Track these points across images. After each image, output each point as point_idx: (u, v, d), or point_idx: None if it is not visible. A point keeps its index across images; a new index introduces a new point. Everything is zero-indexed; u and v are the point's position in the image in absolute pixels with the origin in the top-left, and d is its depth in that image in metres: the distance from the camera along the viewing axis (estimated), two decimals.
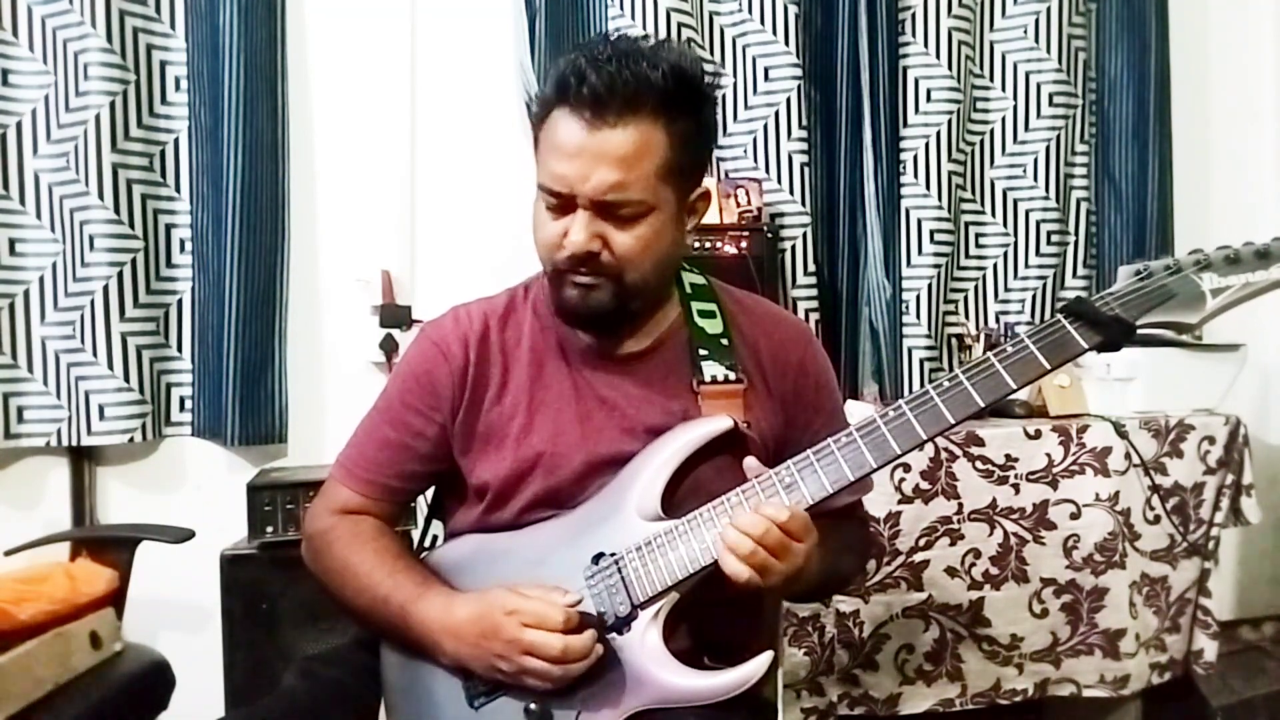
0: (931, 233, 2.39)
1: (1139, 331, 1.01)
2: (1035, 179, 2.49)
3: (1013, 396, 1.06)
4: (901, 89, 2.39)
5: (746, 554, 0.99)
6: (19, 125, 2.08)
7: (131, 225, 2.12)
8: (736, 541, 1.00)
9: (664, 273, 1.17)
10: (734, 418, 1.13)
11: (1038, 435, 1.99)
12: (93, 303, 2.09)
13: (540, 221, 1.12)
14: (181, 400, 2.22)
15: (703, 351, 1.18)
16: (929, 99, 2.38)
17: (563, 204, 1.08)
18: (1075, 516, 1.99)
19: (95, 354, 2.10)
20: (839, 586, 1.30)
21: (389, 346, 2.26)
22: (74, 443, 2.10)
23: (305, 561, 1.24)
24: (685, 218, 1.16)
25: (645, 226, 1.09)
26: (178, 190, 2.20)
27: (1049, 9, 2.44)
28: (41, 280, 2.10)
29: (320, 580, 1.21)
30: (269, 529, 1.89)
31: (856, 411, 1.36)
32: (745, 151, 2.34)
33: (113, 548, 1.81)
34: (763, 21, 2.32)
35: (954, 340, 2.47)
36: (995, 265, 2.52)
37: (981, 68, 2.49)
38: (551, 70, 1.10)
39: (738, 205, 2.21)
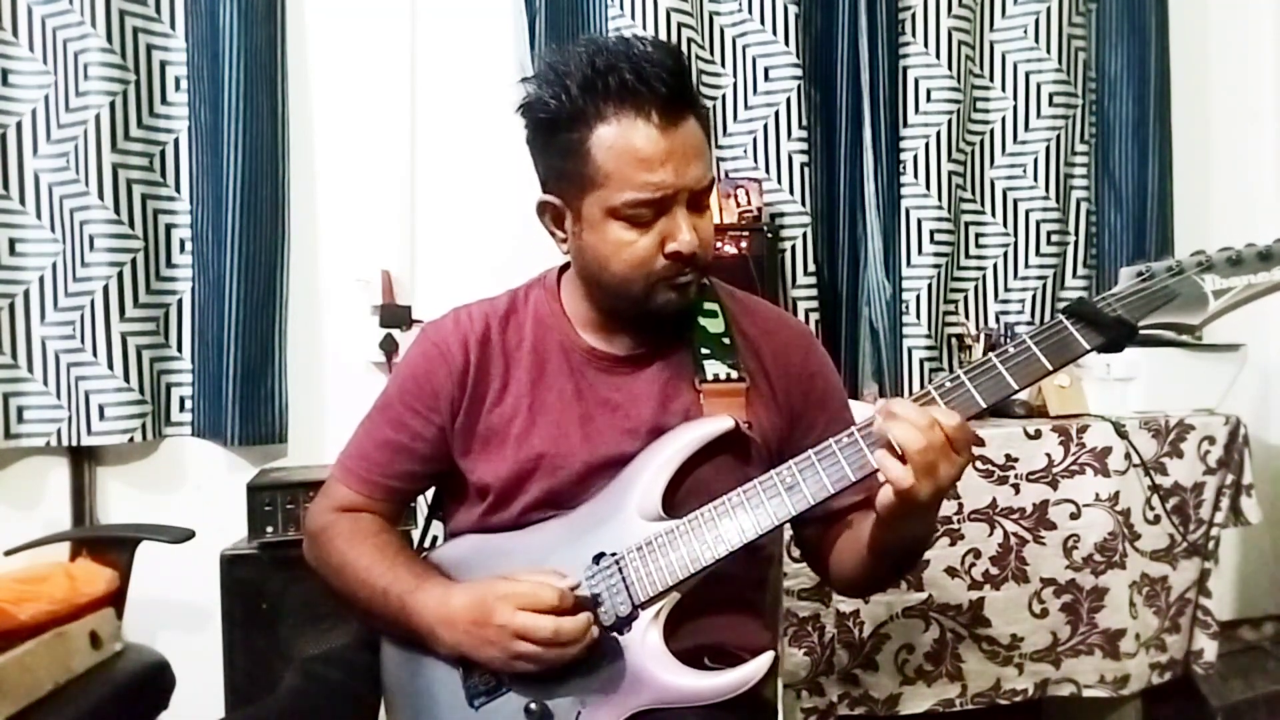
0: (931, 233, 2.39)
1: (1140, 332, 1.01)
2: (1035, 179, 2.49)
3: (1013, 396, 1.06)
4: (901, 89, 2.39)
5: (918, 449, 0.93)
6: (19, 125, 2.07)
7: (131, 225, 2.12)
8: (905, 437, 0.94)
9: None
10: (735, 418, 1.13)
11: (1038, 435, 1.99)
12: (93, 303, 2.09)
13: (622, 243, 1.07)
14: (181, 400, 2.22)
15: (705, 350, 1.18)
16: (929, 99, 2.38)
17: (654, 214, 1.06)
18: (1075, 516, 1.99)
19: (95, 354, 2.09)
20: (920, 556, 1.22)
21: (389, 346, 2.26)
22: (74, 443, 2.10)
23: (306, 558, 1.24)
24: None
25: (709, 205, 1.12)
26: (178, 190, 2.20)
27: (1049, 9, 2.44)
28: (41, 280, 2.09)
29: (321, 576, 1.21)
30: (269, 529, 1.89)
31: (857, 412, 1.36)
32: (745, 151, 2.34)
33: (113, 548, 1.81)
34: (763, 21, 2.32)
35: (954, 340, 2.47)
36: (995, 265, 2.52)
37: (981, 68, 2.49)
38: (568, 90, 1.04)
39: (738, 205, 2.21)
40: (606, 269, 1.10)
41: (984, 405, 1.02)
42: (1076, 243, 2.53)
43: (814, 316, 2.34)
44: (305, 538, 1.25)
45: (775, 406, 1.20)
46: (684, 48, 2.22)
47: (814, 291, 2.34)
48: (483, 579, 1.08)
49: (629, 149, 1.03)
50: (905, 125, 2.39)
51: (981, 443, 1.94)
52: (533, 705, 1.06)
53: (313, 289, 2.30)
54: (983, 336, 2.35)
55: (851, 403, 1.31)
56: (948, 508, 1.94)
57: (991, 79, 2.50)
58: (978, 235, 2.52)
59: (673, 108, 1.03)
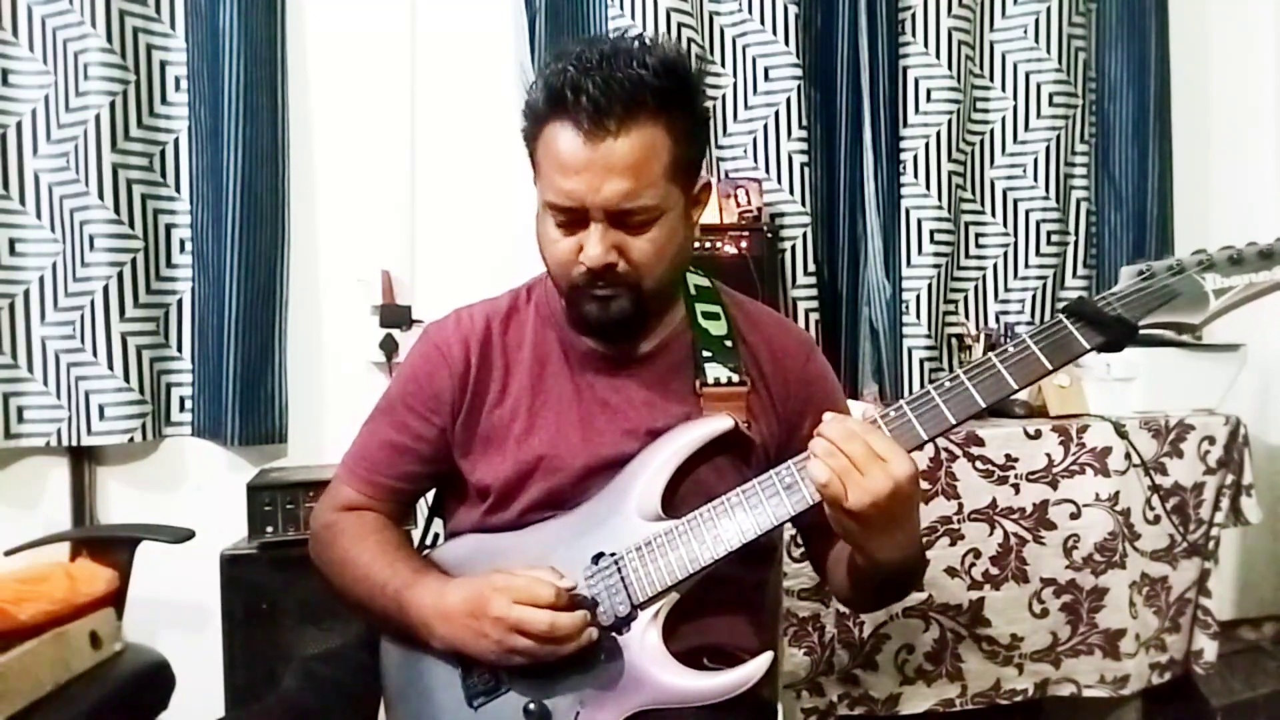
0: (931, 233, 2.39)
1: (1141, 332, 1.00)
2: (1035, 179, 2.49)
3: (1013, 396, 1.05)
4: (901, 89, 2.39)
5: (822, 453, 0.95)
6: (19, 125, 2.07)
7: (131, 225, 2.12)
8: (815, 446, 0.97)
9: (678, 271, 1.17)
10: (734, 418, 1.13)
11: (1038, 435, 1.99)
12: (93, 303, 2.09)
13: (550, 239, 1.09)
14: (181, 400, 2.22)
15: (706, 353, 1.18)
16: (929, 99, 2.38)
17: (573, 219, 1.06)
18: (1075, 516, 1.99)
19: (95, 354, 2.09)
20: (920, 571, 1.21)
21: (389, 346, 2.26)
22: (74, 443, 2.10)
23: (311, 556, 1.24)
24: (692, 211, 1.15)
25: (658, 229, 1.07)
26: (178, 190, 2.20)
27: (1049, 9, 2.44)
28: (41, 280, 2.09)
29: (323, 573, 1.22)
30: (269, 529, 1.89)
31: (856, 412, 1.36)
32: (745, 151, 2.34)
33: (113, 548, 1.81)
34: (763, 21, 2.32)
35: (954, 340, 2.47)
36: (995, 265, 2.52)
37: (981, 68, 2.49)
38: (537, 82, 1.07)
39: (738, 205, 2.21)
40: (543, 258, 1.13)
41: (984, 405, 1.01)
42: (1076, 243, 2.53)
43: (814, 316, 2.34)
44: (310, 537, 1.26)
45: (774, 412, 1.20)
46: (684, 48, 2.22)
47: (814, 291, 2.34)
48: (479, 574, 1.08)
49: (552, 151, 1.05)
50: (905, 125, 2.39)
51: (982, 443, 1.95)
52: (532, 705, 1.06)
53: (313, 289, 2.30)
54: (983, 336, 2.35)
55: (851, 403, 1.31)
56: (947, 508, 1.94)
57: (991, 79, 2.50)
58: (978, 235, 2.52)
59: (608, 118, 1.01)
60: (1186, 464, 2.06)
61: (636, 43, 1.08)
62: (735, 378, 1.17)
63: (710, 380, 1.16)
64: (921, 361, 2.41)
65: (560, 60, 1.06)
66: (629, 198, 1.04)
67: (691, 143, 1.10)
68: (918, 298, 2.40)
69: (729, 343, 1.19)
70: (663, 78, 1.04)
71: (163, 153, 2.18)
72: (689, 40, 2.25)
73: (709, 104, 2.28)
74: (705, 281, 1.26)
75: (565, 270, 1.10)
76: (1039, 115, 2.48)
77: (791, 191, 2.32)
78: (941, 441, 1.90)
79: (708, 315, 1.21)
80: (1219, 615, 2.09)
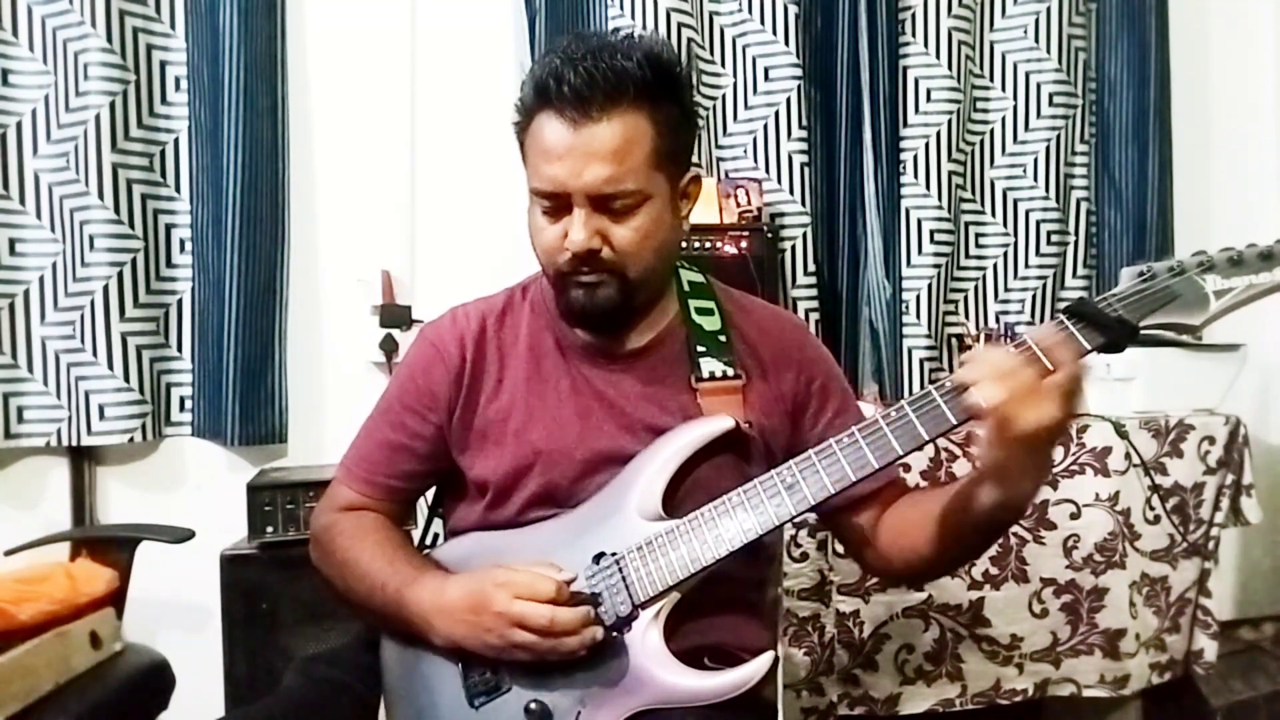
0: (931, 233, 2.39)
1: (1141, 333, 1.00)
2: (1035, 179, 2.49)
3: None
4: (901, 89, 2.39)
5: (993, 375, 0.93)
6: (19, 125, 2.07)
7: (131, 225, 2.12)
8: (964, 373, 0.95)
9: (665, 262, 1.18)
10: (735, 418, 1.13)
11: None
12: (93, 303, 2.09)
13: (538, 227, 1.12)
14: (181, 400, 2.22)
15: (700, 348, 1.19)
16: (929, 99, 2.38)
17: (558, 205, 1.08)
18: (1075, 516, 1.99)
19: (95, 354, 2.09)
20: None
21: (389, 346, 2.26)
22: (74, 443, 2.10)
23: (311, 558, 1.25)
24: (679, 204, 1.16)
25: (642, 217, 1.09)
26: (178, 190, 2.20)
27: (1049, 9, 2.44)
28: (41, 280, 2.09)
29: (324, 574, 1.22)
30: (269, 529, 1.89)
31: None
32: (745, 151, 2.34)
33: (113, 548, 1.81)
34: (763, 21, 2.32)
35: (954, 340, 2.47)
36: (995, 265, 2.52)
37: (981, 68, 2.49)
38: (527, 76, 1.10)
39: (738, 205, 2.21)
40: (533, 248, 1.15)
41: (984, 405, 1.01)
42: (1076, 243, 2.53)
43: (814, 316, 2.34)
44: (310, 539, 1.26)
45: (774, 404, 1.20)
46: (684, 48, 2.22)
47: (814, 291, 2.34)
48: (479, 570, 1.08)
49: (538, 139, 1.08)
50: (905, 125, 2.39)
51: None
52: (533, 705, 1.06)
53: (313, 289, 2.30)
54: (983, 336, 2.34)
55: None
56: None
57: (991, 79, 2.50)
58: (978, 235, 2.52)
59: (591, 105, 1.04)
60: (1186, 464, 2.06)
61: (626, 38, 1.10)
62: (730, 371, 1.17)
63: (705, 375, 1.17)
64: (921, 361, 2.41)
65: (550, 54, 1.08)
66: (611, 182, 1.05)
67: (677, 134, 1.11)
68: (918, 298, 2.40)
69: (723, 337, 1.20)
70: (647, 69, 1.06)
71: (163, 153, 2.17)
72: (689, 40, 2.25)
73: (700, 100, 2.28)
74: (699, 277, 1.26)
75: (552, 257, 1.11)
76: (1039, 115, 2.48)
77: (791, 191, 2.32)
78: (941, 441, 1.90)
79: (701, 310, 1.22)
80: (1219, 615, 2.09)
